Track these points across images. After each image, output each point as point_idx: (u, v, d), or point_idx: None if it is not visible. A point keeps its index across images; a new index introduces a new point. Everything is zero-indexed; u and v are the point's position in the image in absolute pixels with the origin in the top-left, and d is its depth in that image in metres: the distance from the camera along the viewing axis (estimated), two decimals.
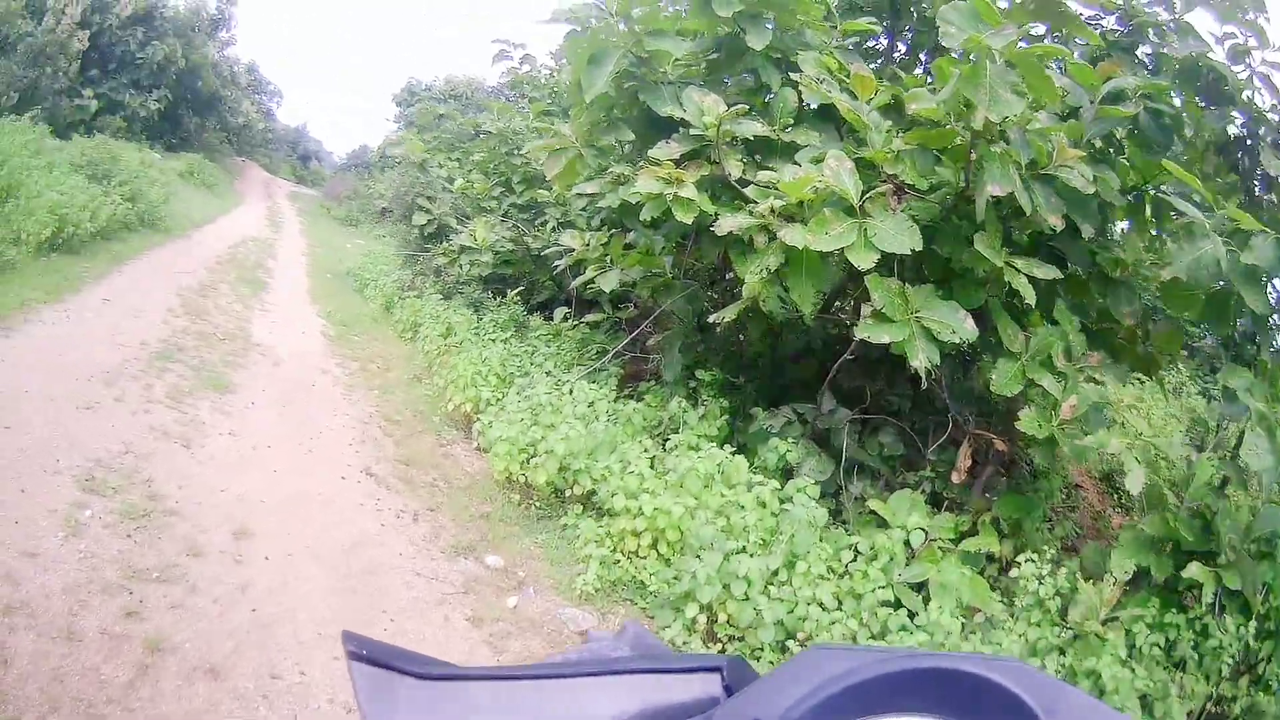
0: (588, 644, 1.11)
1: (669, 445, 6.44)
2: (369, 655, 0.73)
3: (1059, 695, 0.64)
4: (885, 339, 5.08)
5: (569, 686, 0.81)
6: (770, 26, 6.28)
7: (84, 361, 7.99)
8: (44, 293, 10.11)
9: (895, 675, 0.65)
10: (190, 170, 32.50)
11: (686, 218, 5.68)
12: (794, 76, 6.02)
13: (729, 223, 5.47)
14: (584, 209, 9.72)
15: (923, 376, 5.08)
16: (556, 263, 9.54)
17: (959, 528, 5.55)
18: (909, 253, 4.99)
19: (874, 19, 7.12)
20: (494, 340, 9.67)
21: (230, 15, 45.57)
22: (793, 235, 5.05)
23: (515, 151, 12.09)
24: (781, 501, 5.48)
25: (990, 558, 5.64)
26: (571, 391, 7.33)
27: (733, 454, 5.99)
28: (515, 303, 10.93)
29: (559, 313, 9.96)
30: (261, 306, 13.49)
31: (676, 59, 6.61)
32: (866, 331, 5.12)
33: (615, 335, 9.17)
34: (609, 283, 7.62)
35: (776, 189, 5.32)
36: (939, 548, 5.27)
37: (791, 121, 6.20)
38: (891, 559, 5.06)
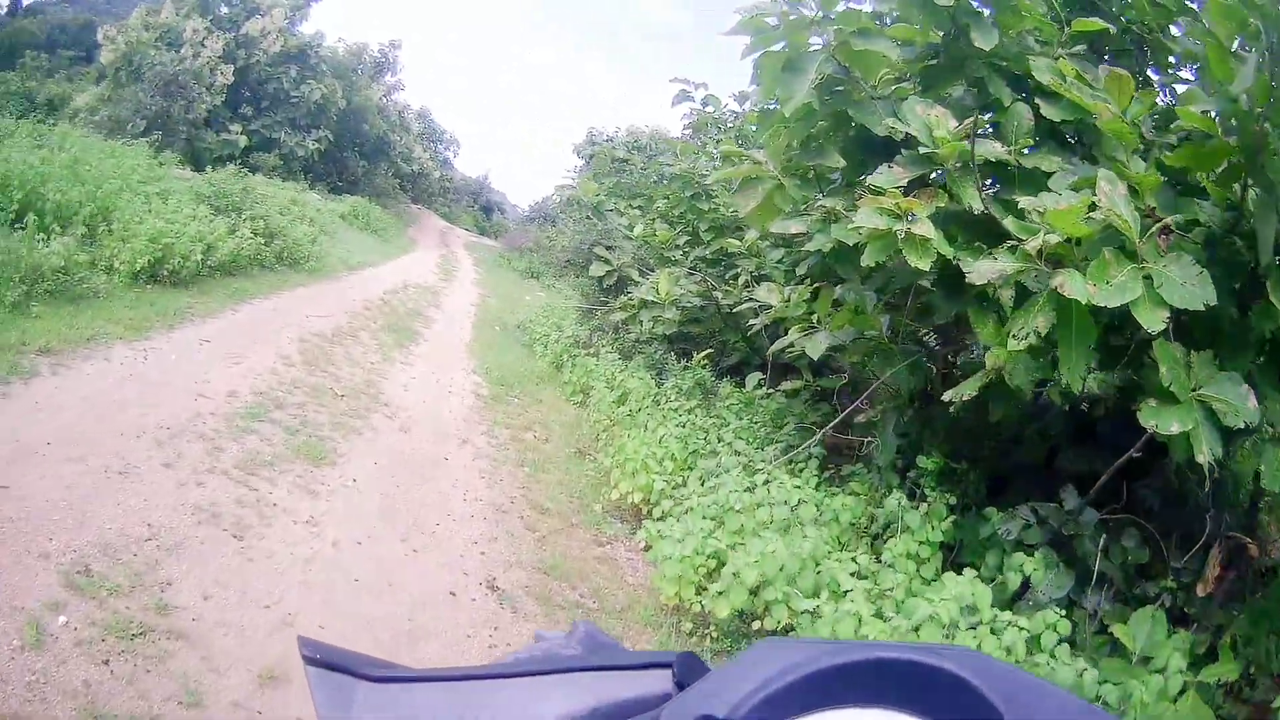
0: (538, 643, 1.10)
1: (885, 553, 5.38)
2: (324, 659, 0.77)
3: (1013, 681, 0.64)
4: (1175, 428, 4.00)
5: (520, 686, 0.84)
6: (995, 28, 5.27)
7: (143, 413, 7.16)
8: (124, 327, 9.53)
9: (846, 667, 0.66)
10: (354, 213, 33.69)
11: (922, 263, 4.51)
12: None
13: (986, 269, 4.32)
14: (780, 260, 8.85)
15: (1205, 472, 4.03)
16: (751, 321, 8.71)
17: (1195, 649, 4.50)
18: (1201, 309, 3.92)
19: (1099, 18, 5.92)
20: (675, 410, 8.86)
21: (394, 59, 47.60)
22: (1073, 285, 3.95)
23: (702, 196, 11.39)
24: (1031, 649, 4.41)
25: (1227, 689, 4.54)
26: (768, 485, 6.28)
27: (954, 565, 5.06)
28: (702, 366, 10.12)
29: (752, 378, 9.10)
30: (404, 359, 12.86)
31: (884, 72, 5.66)
32: (1152, 419, 4.05)
33: (815, 406, 8.26)
34: (815, 348, 6.42)
35: (1039, 221, 4.28)
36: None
37: (1032, 143, 5.15)
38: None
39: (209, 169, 21.75)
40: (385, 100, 46.49)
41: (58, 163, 13.27)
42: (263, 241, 16.87)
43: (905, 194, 4.74)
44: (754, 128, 10.59)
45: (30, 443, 5.98)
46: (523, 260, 37.12)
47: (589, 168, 42.90)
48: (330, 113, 37.81)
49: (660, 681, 0.82)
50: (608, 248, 13.62)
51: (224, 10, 38.26)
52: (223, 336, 10.64)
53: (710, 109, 11.72)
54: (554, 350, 14.34)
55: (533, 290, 28.30)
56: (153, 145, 20.60)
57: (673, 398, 9.27)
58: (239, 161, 29.81)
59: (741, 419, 8.39)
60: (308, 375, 9.96)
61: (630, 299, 11.36)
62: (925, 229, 4.47)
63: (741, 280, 10.03)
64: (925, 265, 4.49)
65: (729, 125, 12.31)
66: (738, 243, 9.87)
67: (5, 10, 65.78)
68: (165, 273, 12.36)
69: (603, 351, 12.35)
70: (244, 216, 17.01)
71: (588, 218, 15.08)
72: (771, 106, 6.28)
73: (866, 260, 4.76)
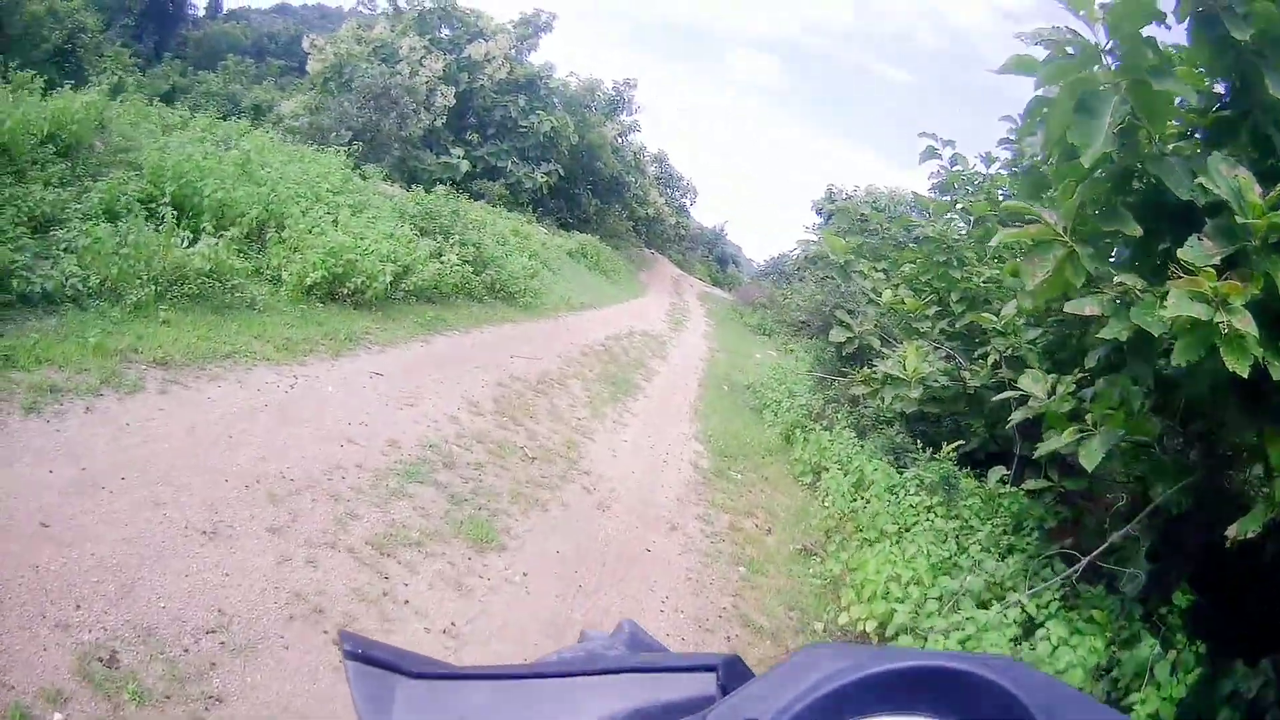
0: (583, 643, 1.14)
1: (1134, 713, 4.64)
2: (365, 655, 0.80)
3: (1053, 692, 0.68)
4: None
5: (563, 686, 0.87)
6: None
7: (263, 456, 6.15)
8: (275, 347, 8.77)
9: (889, 674, 0.68)
10: (582, 251, 33.93)
11: (1239, 366, 3.75)
12: None
13: None
14: (1034, 341, 8.17)
15: None
16: (1012, 418, 7.88)
17: None
18: None
19: None
20: (914, 508, 8.14)
21: (629, 98, 47.75)
22: None
23: (954, 263, 10.68)
24: None
25: None
26: (1007, 610, 5.58)
27: None
28: (949, 458, 9.18)
29: (994, 473, 8.24)
30: (618, 416, 11.74)
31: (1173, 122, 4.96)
32: None
33: (1056, 511, 7.41)
34: (1092, 456, 5.47)
35: None
36: None
37: None
38: None
39: (420, 189, 21.22)
40: (620, 140, 47.05)
41: (228, 160, 12.79)
42: (472, 270, 16.36)
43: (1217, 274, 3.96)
44: (1003, 191, 9.96)
45: (100, 473, 5.15)
46: (755, 315, 36.94)
47: (828, 225, 42.69)
48: (561, 147, 38.52)
49: (704, 685, 0.85)
50: (849, 312, 12.90)
51: (445, 32, 39.46)
52: (400, 371, 9.75)
53: (958, 168, 11.25)
54: (785, 420, 13.45)
55: (764, 347, 27.61)
56: (350, 155, 20.56)
57: (912, 490, 8.59)
58: (459, 187, 29.99)
59: (984, 525, 7.63)
60: (496, 428, 8.91)
61: (873, 372, 10.53)
62: (1246, 323, 3.70)
63: (990, 360, 9.28)
64: (1244, 369, 3.72)
65: (980, 184, 11.56)
66: (993, 318, 9.02)
67: (203, 12, 70.82)
68: (345, 292, 11.72)
69: (837, 426, 11.72)
70: (452, 241, 16.55)
71: (829, 277, 14.38)
72: (1037, 157, 5.62)
73: (1177, 359, 3.99)
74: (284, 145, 19.56)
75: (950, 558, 6.90)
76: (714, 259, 77.93)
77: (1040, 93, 4.96)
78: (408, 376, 9.63)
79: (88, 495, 4.85)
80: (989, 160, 10.74)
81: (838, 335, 12.40)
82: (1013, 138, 9.31)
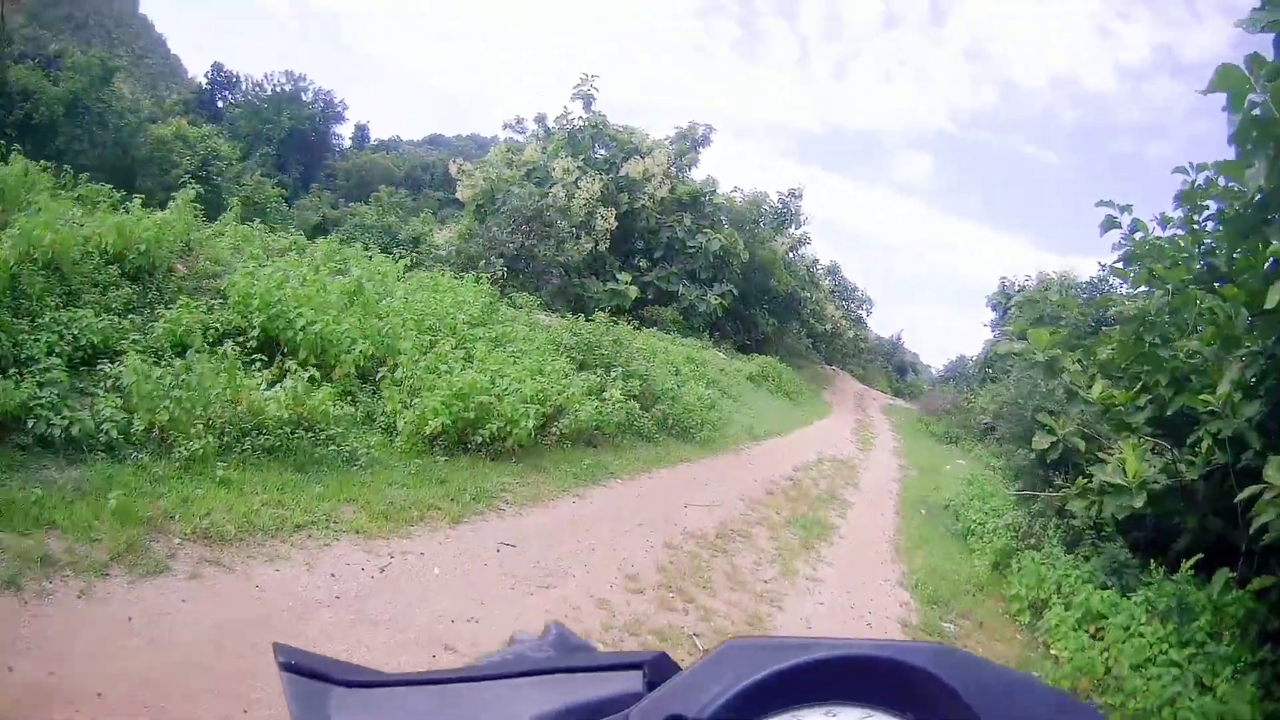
0: (513, 645, 1.14)
1: None
2: (299, 665, 0.82)
3: (979, 672, 0.70)
4: None
5: (493, 688, 0.88)
6: None
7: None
8: (370, 515, 7.33)
9: (813, 665, 0.71)
10: (762, 374, 32.89)
11: None
12: None
13: None
14: (1251, 418, 7.56)
15: None
16: (1255, 514, 6.84)
17: None
18: None
19: None
20: (1152, 645, 7.08)
21: (796, 209, 47.19)
22: None
23: (1158, 343, 9.54)
24: None
25: None
26: None
27: None
28: (1188, 579, 7.84)
29: (1220, 576, 7.35)
30: (812, 570, 9.88)
31: None
32: None
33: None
34: None
35: None
36: None
37: None
38: None
39: (582, 318, 19.14)
40: (792, 254, 46.35)
41: (335, 288, 11.43)
42: (639, 405, 14.92)
43: None
44: (1199, 254, 9.15)
45: (68, 688, 4.06)
46: (939, 424, 36.01)
47: (1004, 320, 41.42)
48: (733, 265, 37.76)
49: (631, 682, 0.86)
50: (1050, 413, 11.76)
51: (601, 152, 38.89)
52: (540, 539, 8.26)
53: (1140, 235, 10.48)
54: (993, 546, 11.81)
55: (952, 456, 26.70)
56: (496, 282, 20.03)
57: (1142, 619, 7.50)
58: (629, 314, 29.73)
59: (1219, 645, 6.76)
60: (658, 610, 7.33)
61: (1089, 482, 9.64)
62: None
63: (1205, 445, 8.44)
64: None
65: (1168, 249, 10.48)
66: (1210, 398, 8.13)
67: (349, 142, 72.84)
68: (479, 440, 10.19)
69: (1047, 544, 10.54)
70: (615, 374, 15.09)
71: (1027, 376, 13.12)
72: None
73: None
74: (427, 273, 18.92)
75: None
76: (893, 369, 77.31)
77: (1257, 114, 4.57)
78: (549, 545, 8.10)
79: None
80: (1164, 221, 10.20)
81: (1041, 441, 11.47)
82: (1185, 188, 9.28)
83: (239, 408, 8.00)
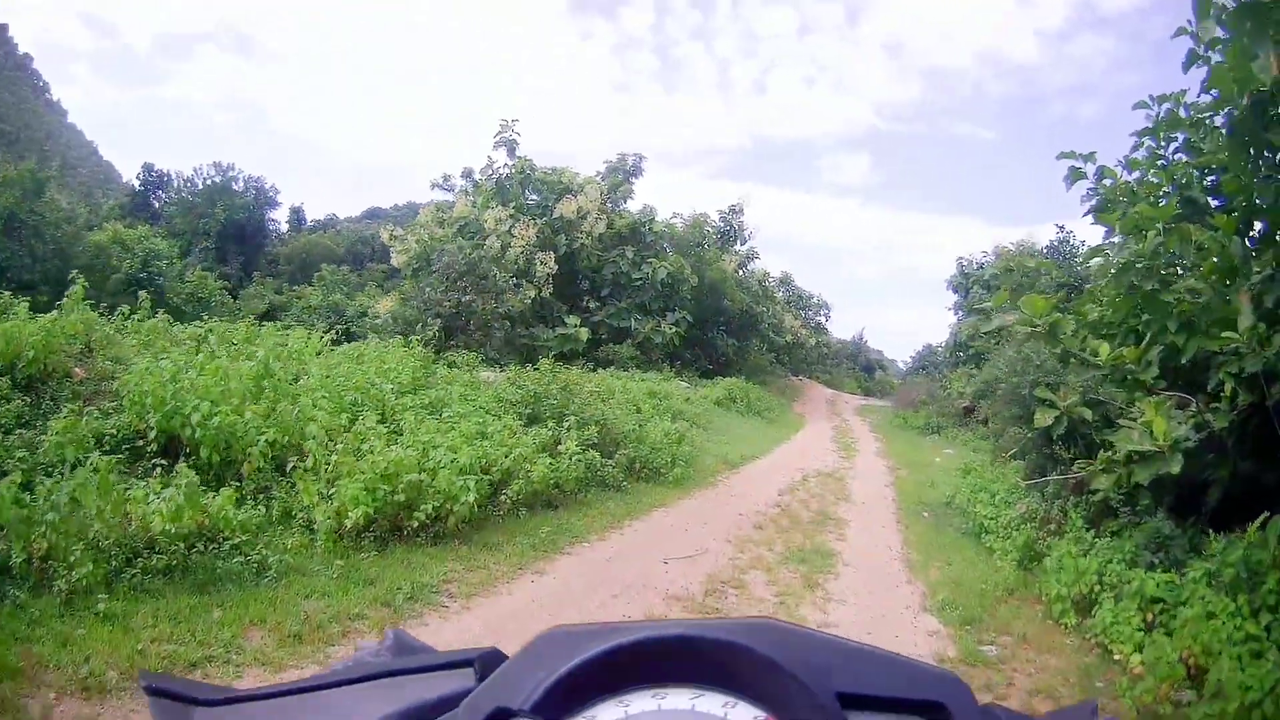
0: (355, 654, 1.10)
1: None
2: (161, 688, 0.83)
3: (805, 643, 0.73)
4: None
5: (337, 695, 0.87)
6: None
7: None
8: (281, 639, 6.28)
9: (630, 648, 0.72)
10: (730, 397, 32.35)
11: None
12: None
13: None
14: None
15: None
16: None
17: None
18: None
19: None
20: (1225, 624, 6.08)
21: (740, 225, 47.14)
22: None
23: (1158, 288, 8.65)
24: None
25: None
26: None
27: None
28: (1253, 540, 6.78)
29: (1275, 525, 6.53)
30: (822, 613, 8.55)
31: None
32: None
33: None
34: None
35: None
36: None
37: None
38: None
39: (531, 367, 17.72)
40: (741, 271, 45.86)
41: (235, 374, 10.21)
42: (599, 454, 13.68)
43: None
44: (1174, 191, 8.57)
45: None
46: (918, 416, 35.63)
47: (967, 300, 41.26)
48: (683, 291, 37.12)
49: (464, 679, 0.86)
50: (1050, 386, 10.89)
51: (532, 198, 38.24)
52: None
53: (1109, 181, 9.90)
54: (1015, 543, 10.76)
55: (939, 449, 26.27)
56: (428, 344, 19.43)
57: (1206, 595, 6.53)
58: (584, 356, 29.18)
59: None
60: None
61: (1112, 455, 8.59)
62: None
63: (1229, 389, 7.84)
64: None
65: (1139, 192, 9.86)
66: (1234, 334, 7.37)
67: (286, 227, 72.85)
68: (414, 525, 9.00)
69: (1069, 527, 9.69)
70: (568, 424, 13.82)
71: (1025, 350, 12.24)
72: None
73: None
74: (360, 345, 18.64)
75: None
76: (859, 369, 77.88)
77: None
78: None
79: None
80: (1130, 165, 9.80)
81: (1044, 417, 10.62)
82: (1150, 125, 9.16)
83: (131, 526, 6.94)
